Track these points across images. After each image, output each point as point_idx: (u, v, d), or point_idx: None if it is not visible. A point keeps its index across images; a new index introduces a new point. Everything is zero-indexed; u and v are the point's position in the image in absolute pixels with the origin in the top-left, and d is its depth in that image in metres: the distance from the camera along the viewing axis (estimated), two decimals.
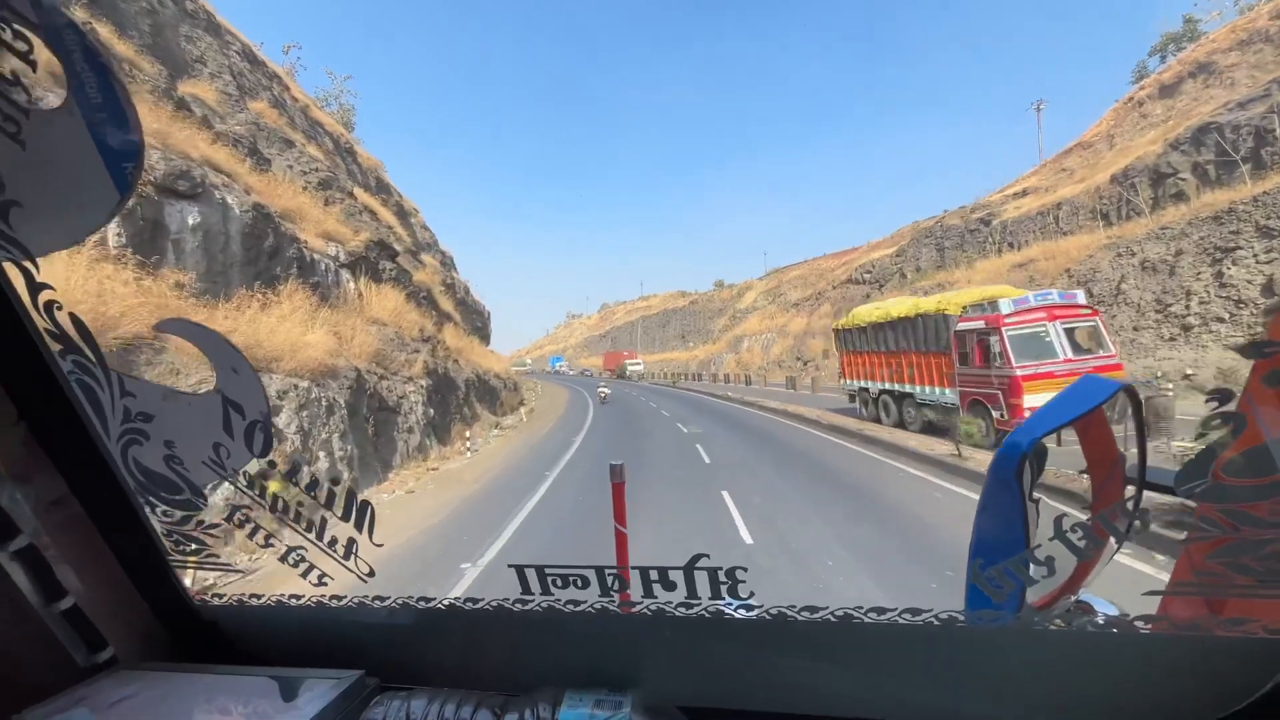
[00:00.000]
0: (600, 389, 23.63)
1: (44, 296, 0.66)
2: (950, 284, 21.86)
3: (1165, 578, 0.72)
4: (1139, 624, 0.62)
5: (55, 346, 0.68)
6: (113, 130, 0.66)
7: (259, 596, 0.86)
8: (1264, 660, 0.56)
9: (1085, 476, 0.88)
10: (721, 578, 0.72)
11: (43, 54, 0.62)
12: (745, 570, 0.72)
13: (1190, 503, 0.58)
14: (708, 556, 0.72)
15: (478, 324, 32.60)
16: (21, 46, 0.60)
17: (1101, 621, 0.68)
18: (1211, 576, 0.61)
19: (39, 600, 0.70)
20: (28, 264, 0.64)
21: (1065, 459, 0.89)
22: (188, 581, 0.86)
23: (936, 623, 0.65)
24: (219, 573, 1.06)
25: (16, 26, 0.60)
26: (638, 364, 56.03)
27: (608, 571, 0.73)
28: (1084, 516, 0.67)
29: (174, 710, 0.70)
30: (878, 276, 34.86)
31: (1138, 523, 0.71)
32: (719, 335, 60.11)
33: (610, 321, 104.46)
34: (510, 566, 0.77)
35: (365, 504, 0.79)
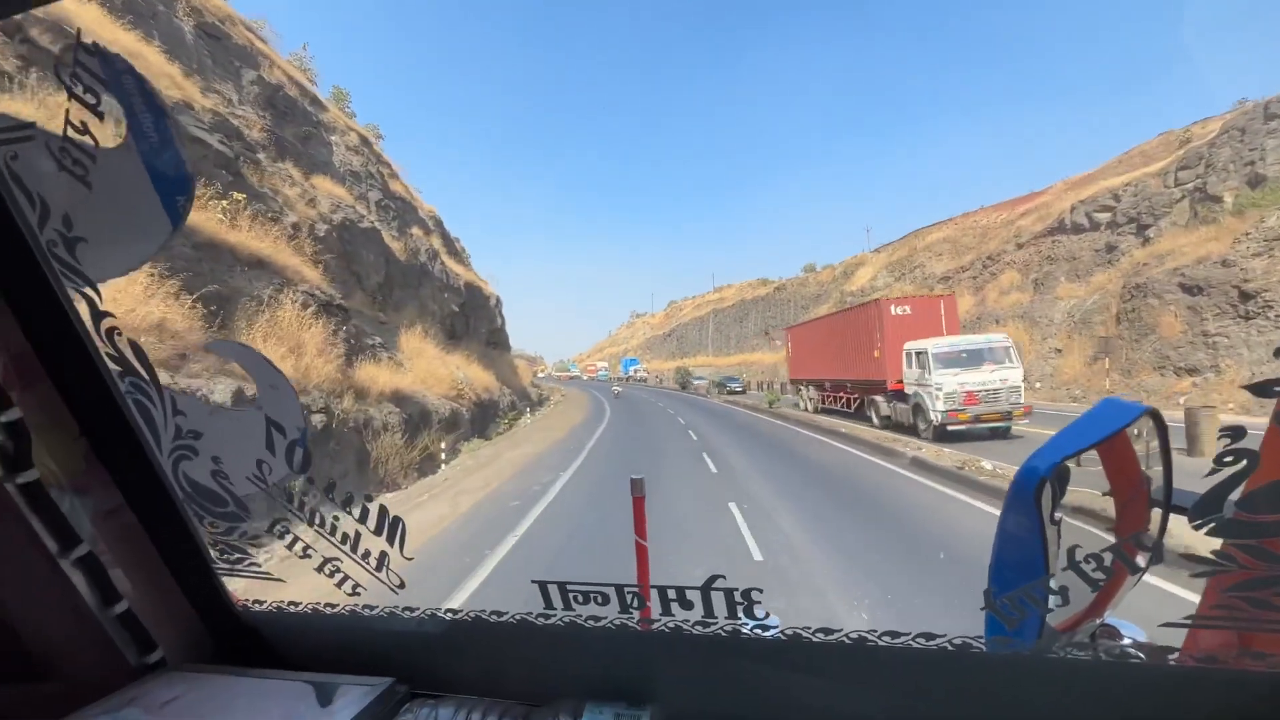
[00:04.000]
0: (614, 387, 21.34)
1: (106, 323, 0.81)
2: None
3: (1193, 599, 0.77)
4: (1163, 651, 0.70)
5: (115, 369, 0.83)
6: (166, 166, 0.81)
7: (297, 604, 1.00)
8: None
9: (1109, 500, 0.92)
10: (738, 598, 0.81)
11: (108, 102, 0.76)
12: (761, 591, 0.81)
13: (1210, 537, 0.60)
14: (723, 577, 0.81)
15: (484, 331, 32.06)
16: (90, 100, 0.76)
17: (1128, 643, 0.79)
18: (1233, 610, 0.66)
19: (97, 604, 0.84)
20: (91, 293, 0.79)
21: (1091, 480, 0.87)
22: (231, 588, 0.98)
23: (951, 648, 0.72)
24: (260, 580, 1.09)
25: (87, 81, 0.75)
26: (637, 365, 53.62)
27: (627, 589, 0.85)
28: (1099, 546, 0.72)
29: (219, 711, 0.82)
30: (1135, 211, 23.84)
31: (1154, 558, 0.76)
32: None
33: (676, 319, 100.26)
34: (534, 582, 0.88)
35: (397, 519, 0.90)
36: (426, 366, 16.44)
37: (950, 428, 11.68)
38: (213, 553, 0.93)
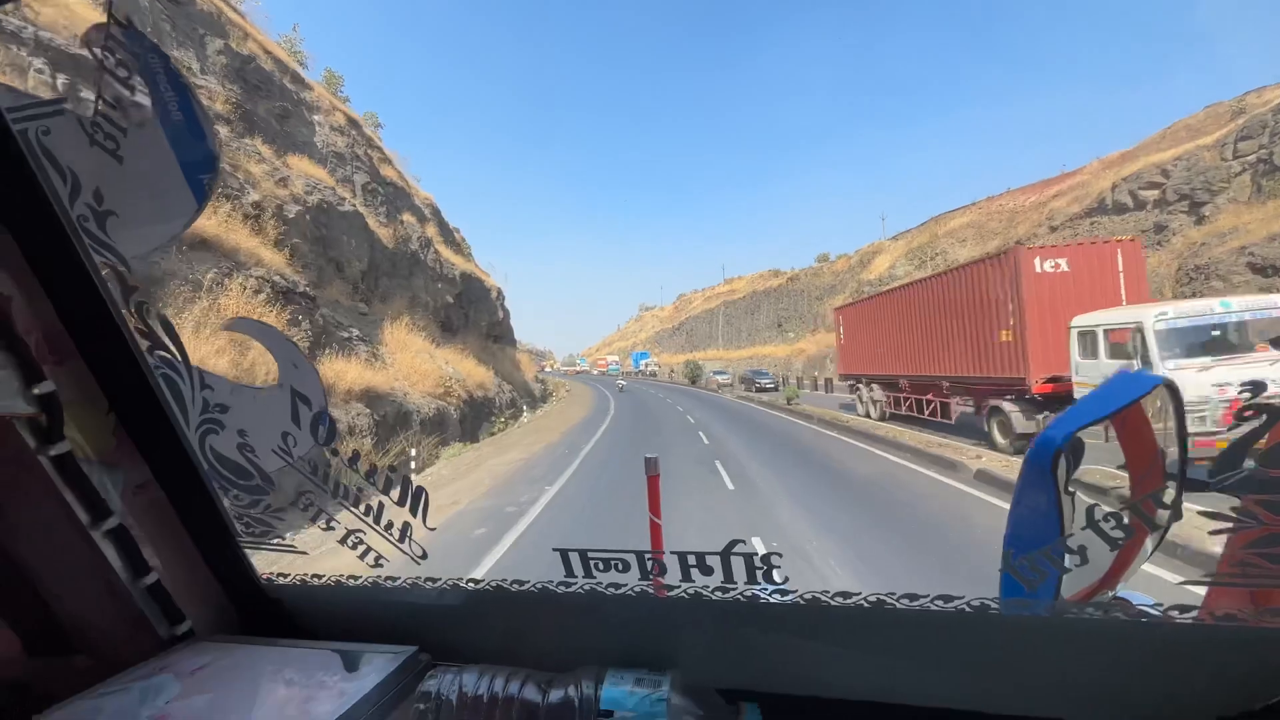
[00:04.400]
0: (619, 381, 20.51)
1: (136, 298, 0.83)
2: None
3: (1196, 591, 0.79)
4: (1184, 608, 0.69)
5: (144, 344, 0.86)
6: (192, 145, 0.84)
7: (320, 576, 1.03)
8: None
9: (1124, 471, 0.93)
10: (757, 563, 0.84)
11: (138, 78, 0.80)
12: (780, 556, 0.91)
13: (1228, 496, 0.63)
14: (743, 542, 0.85)
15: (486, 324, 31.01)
16: (123, 74, 0.79)
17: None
18: (1249, 567, 0.67)
19: (128, 576, 0.89)
20: (122, 268, 0.82)
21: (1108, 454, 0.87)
22: (256, 561, 1.02)
23: (969, 609, 0.74)
24: (285, 552, 1.13)
25: (120, 55, 0.78)
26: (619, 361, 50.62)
27: (647, 556, 0.87)
28: (1116, 507, 0.73)
29: (247, 679, 0.87)
30: (1188, 187, 21.89)
31: (1174, 515, 0.80)
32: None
33: (686, 311, 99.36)
34: (555, 550, 0.91)
35: (420, 490, 0.93)
36: (411, 362, 14.97)
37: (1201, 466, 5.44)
38: (238, 526, 0.96)
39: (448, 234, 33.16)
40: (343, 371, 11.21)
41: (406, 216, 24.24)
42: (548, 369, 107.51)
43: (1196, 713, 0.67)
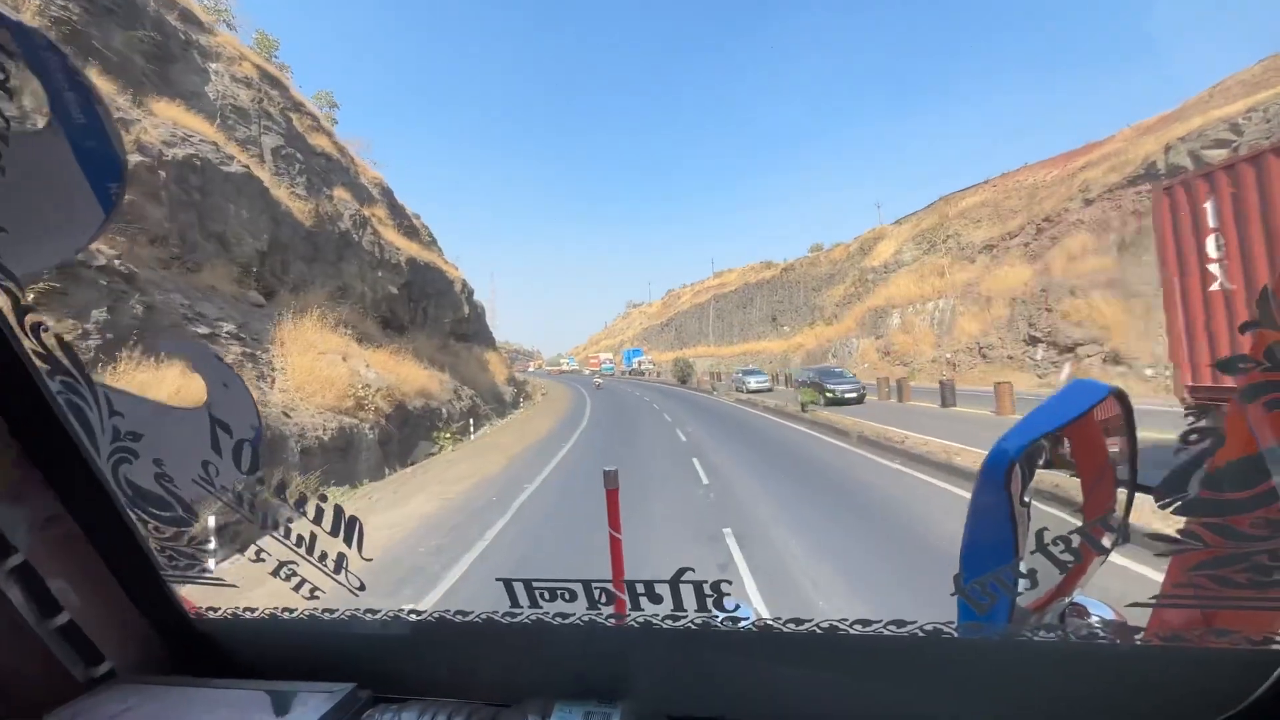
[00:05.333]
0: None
1: (30, 319, 0.81)
2: None
3: (1157, 578, 0.87)
4: (1130, 630, 0.77)
5: (43, 367, 0.83)
6: (95, 150, 0.79)
7: (253, 610, 1.02)
8: (1252, 670, 0.67)
9: (1077, 480, 0.99)
10: (707, 590, 0.85)
11: (26, 80, 0.75)
12: (730, 583, 0.86)
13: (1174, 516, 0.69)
14: (693, 570, 0.85)
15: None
16: (9, 74, 0.74)
17: (1095, 623, 0.86)
18: (1197, 589, 0.71)
19: (35, 617, 0.85)
20: (13, 287, 0.79)
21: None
22: (194, 595, 1.03)
23: (922, 634, 0.78)
24: (214, 586, 1.07)
25: (5, 54, 0.73)
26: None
27: (595, 585, 0.89)
28: (1067, 528, 0.80)
29: None
30: (1268, 141, 16.44)
31: (1120, 538, 0.86)
32: (838, 311, 46.56)
33: (675, 308, 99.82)
34: (498, 580, 0.91)
35: (353, 519, 0.93)
36: (309, 367, 10.73)
37: None
38: (160, 559, 0.96)
39: (402, 219, 28.98)
40: (154, 383, 7.15)
41: (340, 193, 20.28)
42: (531, 369, 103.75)
43: None
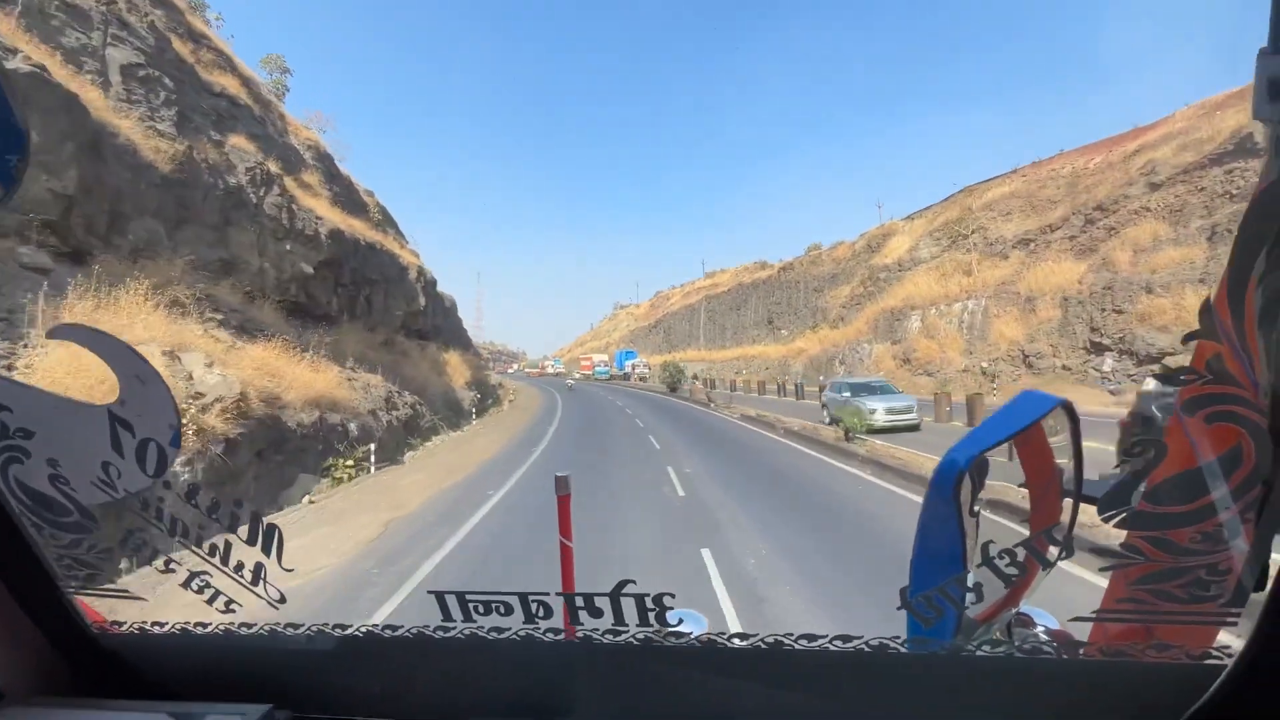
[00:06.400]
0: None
1: None
2: None
3: (1102, 584, 0.90)
4: (1075, 643, 0.81)
5: None
6: None
7: (162, 624, 0.99)
8: (1189, 684, 0.68)
9: (1023, 491, 1.03)
10: (649, 604, 0.84)
11: None
12: (673, 596, 0.84)
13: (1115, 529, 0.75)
14: (633, 582, 0.85)
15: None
16: None
17: (1041, 633, 0.92)
18: (1137, 603, 0.73)
19: None
20: None
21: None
22: (99, 608, 0.99)
23: (868, 649, 0.78)
24: (119, 598, 1.11)
25: None
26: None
27: (531, 598, 0.88)
28: (1014, 540, 0.83)
29: None
30: None
31: (1065, 552, 0.86)
32: (844, 313, 43.97)
33: (664, 309, 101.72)
34: (430, 593, 0.90)
35: (272, 528, 0.89)
36: (77, 362, 5.71)
37: None
38: (58, 569, 0.92)
39: (349, 194, 24.29)
40: None
41: (239, 142, 15.25)
42: (511, 371, 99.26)
43: None
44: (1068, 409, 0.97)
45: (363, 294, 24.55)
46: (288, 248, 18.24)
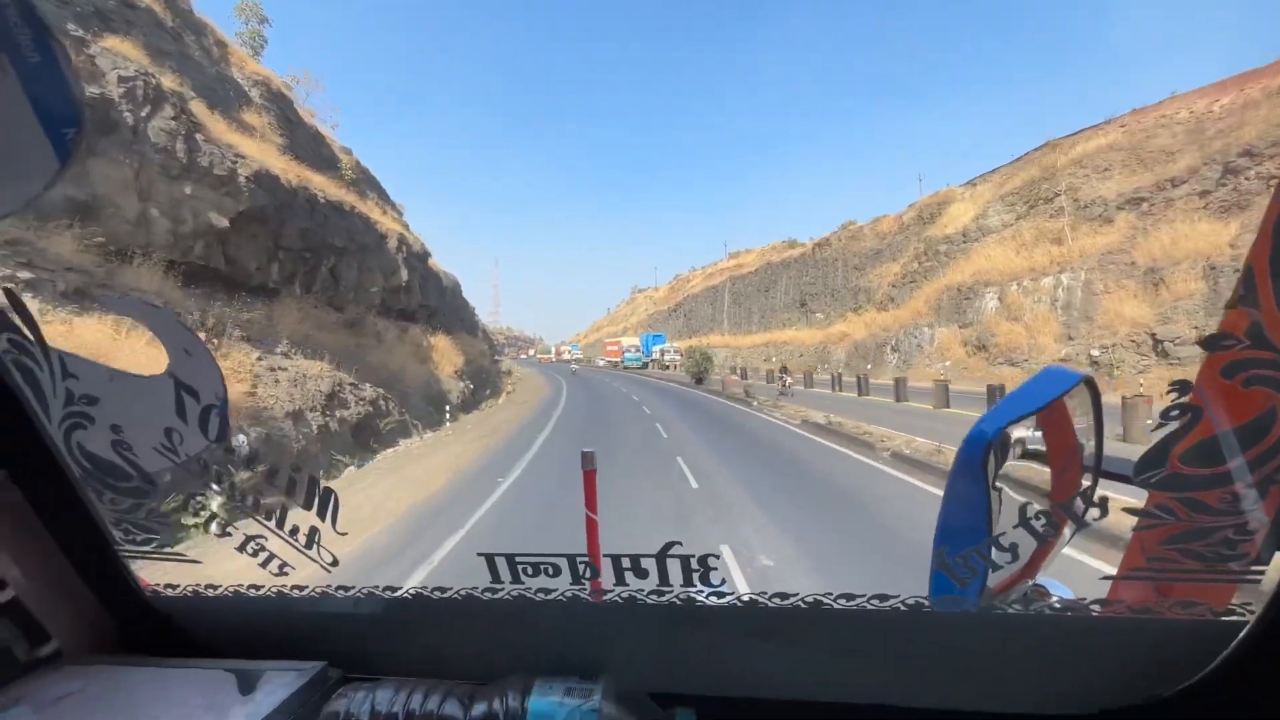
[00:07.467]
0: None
1: None
2: None
3: (1107, 568, 1.14)
4: (1093, 607, 0.87)
5: None
6: (51, 93, 0.74)
7: (215, 587, 1.08)
8: (1211, 640, 0.74)
9: (1046, 465, 1.16)
10: (694, 565, 0.90)
11: None
12: (717, 558, 0.90)
13: (1144, 491, 0.78)
14: (680, 544, 0.89)
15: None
16: None
17: (1057, 604, 0.91)
18: (1163, 562, 0.78)
19: None
20: None
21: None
22: (147, 572, 1.08)
23: (903, 608, 0.85)
24: (173, 562, 0.99)
25: None
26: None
27: (579, 559, 0.95)
28: (1046, 505, 0.95)
29: (123, 704, 0.85)
30: None
31: (1096, 510, 0.93)
32: (894, 292, 39.54)
33: (684, 291, 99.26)
34: (480, 555, 0.95)
35: (329, 491, 0.95)
36: None
37: None
38: (116, 533, 1.00)
39: (317, 150, 20.05)
40: None
41: (117, 44, 11.22)
42: (524, 357, 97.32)
43: (1111, 697, 0.79)
44: (1090, 385, 1.04)
45: (324, 264, 21.21)
46: (187, 191, 13.81)
